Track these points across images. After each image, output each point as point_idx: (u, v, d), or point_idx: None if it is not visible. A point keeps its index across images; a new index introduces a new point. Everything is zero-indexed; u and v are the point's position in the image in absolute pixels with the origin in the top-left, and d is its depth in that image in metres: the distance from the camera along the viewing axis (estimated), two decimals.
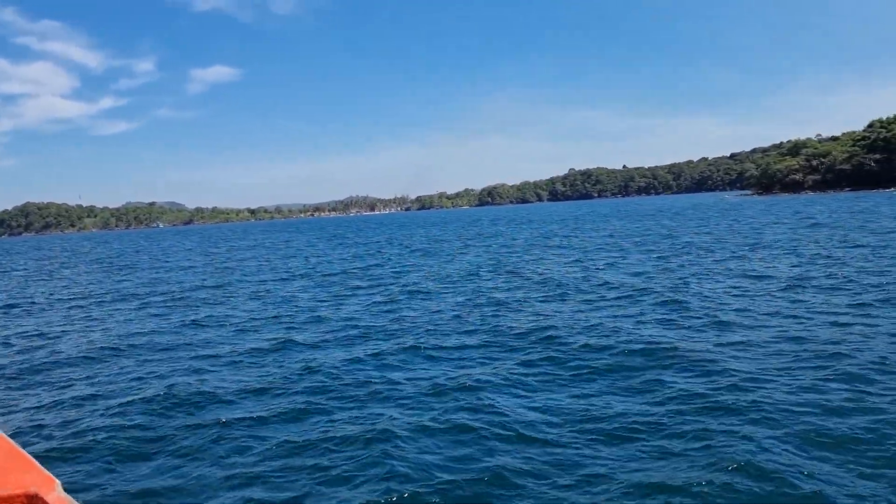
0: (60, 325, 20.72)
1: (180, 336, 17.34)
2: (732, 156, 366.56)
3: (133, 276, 39.09)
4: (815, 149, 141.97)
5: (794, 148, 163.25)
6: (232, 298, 24.77)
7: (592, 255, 33.62)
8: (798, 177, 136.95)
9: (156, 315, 21.60)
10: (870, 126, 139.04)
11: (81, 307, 24.95)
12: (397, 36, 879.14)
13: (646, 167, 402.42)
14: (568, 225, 73.73)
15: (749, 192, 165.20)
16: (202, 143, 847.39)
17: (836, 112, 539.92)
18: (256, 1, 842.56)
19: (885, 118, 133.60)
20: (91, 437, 9.43)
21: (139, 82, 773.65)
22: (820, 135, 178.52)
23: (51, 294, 30.82)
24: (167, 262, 50.64)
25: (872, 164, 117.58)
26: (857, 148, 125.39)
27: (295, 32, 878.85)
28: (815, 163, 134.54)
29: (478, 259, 36.15)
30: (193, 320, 19.77)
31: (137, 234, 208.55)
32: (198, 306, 23.00)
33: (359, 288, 26.02)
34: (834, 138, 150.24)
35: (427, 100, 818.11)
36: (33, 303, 27.46)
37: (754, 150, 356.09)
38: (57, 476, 1.45)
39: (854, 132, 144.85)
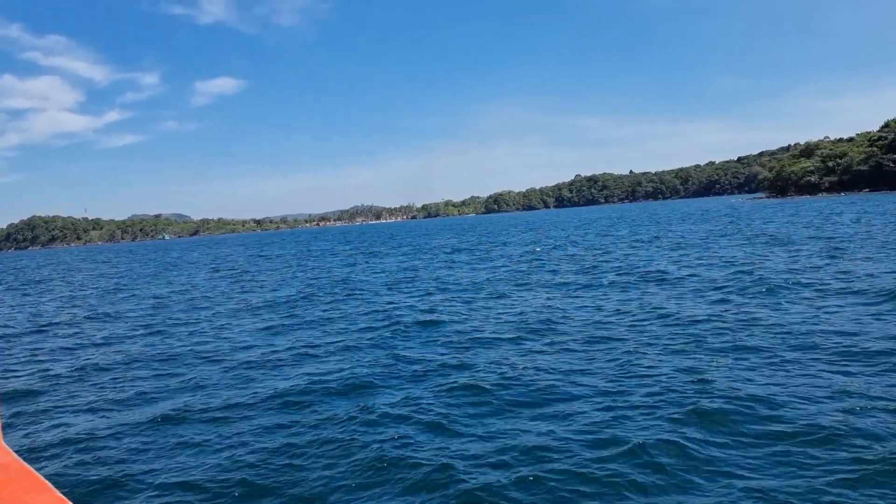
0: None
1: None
2: (740, 159, 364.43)
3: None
4: (830, 150, 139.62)
5: (807, 150, 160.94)
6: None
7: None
8: (814, 178, 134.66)
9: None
10: (885, 126, 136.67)
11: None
12: (400, 46, 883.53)
13: (652, 172, 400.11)
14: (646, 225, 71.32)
15: (762, 195, 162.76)
16: (207, 155, 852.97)
17: (840, 115, 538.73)
18: (260, 14, 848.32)
19: None
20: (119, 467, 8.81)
21: (144, 95, 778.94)
22: (828, 137, 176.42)
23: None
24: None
25: (892, 164, 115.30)
26: (874, 148, 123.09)
27: (298, 44, 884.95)
28: (831, 164, 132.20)
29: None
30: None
31: (145, 247, 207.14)
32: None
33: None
34: (848, 139, 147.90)
35: (431, 109, 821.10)
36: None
37: (762, 154, 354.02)
38: (70, 498, 1.61)
39: (869, 133, 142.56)
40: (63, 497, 1.60)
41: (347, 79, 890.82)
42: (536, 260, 37.24)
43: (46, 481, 1.71)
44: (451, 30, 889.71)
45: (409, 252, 56.11)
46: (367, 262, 46.38)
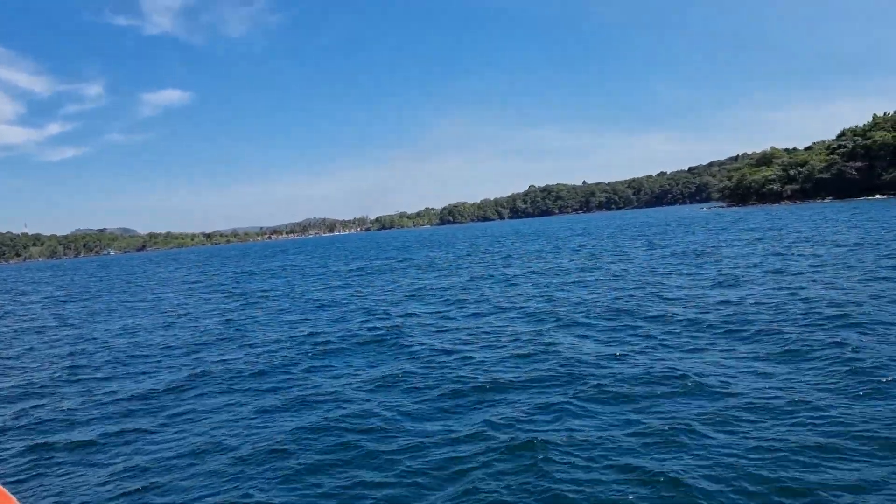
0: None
1: None
2: (690, 169, 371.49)
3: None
4: (790, 159, 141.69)
5: (764, 159, 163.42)
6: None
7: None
8: (775, 187, 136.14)
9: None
10: (842, 135, 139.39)
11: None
12: (350, 57, 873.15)
13: (605, 182, 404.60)
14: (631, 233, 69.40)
15: (722, 204, 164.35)
16: (154, 168, 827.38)
17: (784, 126, 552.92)
18: (206, 24, 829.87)
19: (858, 126, 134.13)
20: None
21: (88, 107, 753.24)
22: (774, 147, 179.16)
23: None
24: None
25: (854, 172, 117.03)
26: (835, 157, 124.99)
27: (247, 54, 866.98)
28: (792, 172, 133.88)
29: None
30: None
31: (90, 262, 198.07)
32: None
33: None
34: (806, 148, 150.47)
35: (383, 120, 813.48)
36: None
37: (711, 164, 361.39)
38: None
39: (825, 141, 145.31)
40: None
41: (297, 89, 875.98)
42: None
43: (10, 495, 1.60)
44: (402, 41, 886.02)
45: (435, 265, 49.69)
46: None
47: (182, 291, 43.74)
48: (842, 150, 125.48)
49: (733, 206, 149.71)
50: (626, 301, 21.31)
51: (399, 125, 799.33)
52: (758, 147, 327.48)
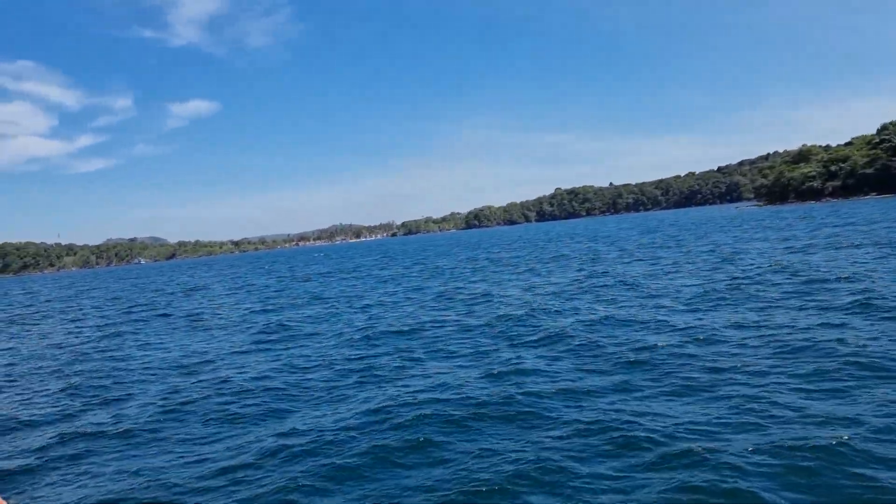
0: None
1: None
2: (720, 169, 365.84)
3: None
4: (832, 154, 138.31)
5: (800, 156, 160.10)
6: None
7: None
8: (816, 184, 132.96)
9: None
10: (883, 129, 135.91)
11: None
12: (371, 66, 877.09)
13: (633, 184, 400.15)
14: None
15: (759, 202, 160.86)
16: (182, 178, 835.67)
17: (808, 125, 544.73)
18: (231, 36, 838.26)
19: None
20: None
21: (117, 119, 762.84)
22: (805, 145, 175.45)
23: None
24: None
25: None
26: (878, 151, 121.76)
27: (270, 65, 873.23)
28: (833, 168, 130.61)
29: None
30: None
31: (122, 271, 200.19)
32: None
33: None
34: (846, 143, 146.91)
35: (407, 126, 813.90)
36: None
37: (742, 163, 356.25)
38: None
39: (865, 136, 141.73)
40: None
41: (321, 98, 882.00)
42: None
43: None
44: (424, 48, 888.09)
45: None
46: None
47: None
48: (885, 144, 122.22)
49: (769, 205, 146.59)
50: None
51: (422, 132, 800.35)
52: (786, 146, 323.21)
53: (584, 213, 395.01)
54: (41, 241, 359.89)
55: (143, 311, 38.77)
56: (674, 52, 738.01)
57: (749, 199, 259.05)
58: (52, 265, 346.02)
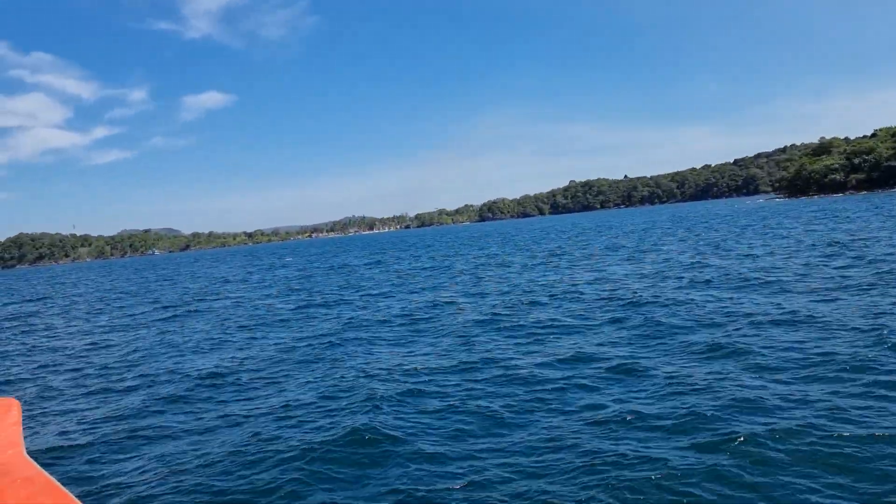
0: None
1: None
2: (736, 161, 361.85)
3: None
4: (855, 146, 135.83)
5: (821, 148, 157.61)
6: None
7: None
8: (838, 177, 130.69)
9: None
10: None
11: None
12: (388, 57, 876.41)
13: (648, 176, 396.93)
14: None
15: (780, 195, 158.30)
16: (196, 169, 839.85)
17: (826, 117, 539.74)
18: (246, 28, 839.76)
19: None
20: None
21: (133, 111, 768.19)
22: (824, 138, 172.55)
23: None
24: None
25: None
26: None
27: (285, 57, 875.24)
28: (857, 161, 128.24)
29: None
30: None
31: (139, 262, 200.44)
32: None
33: None
34: (871, 135, 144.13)
35: (421, 119, 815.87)
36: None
37: (758, 156, 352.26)
38: None
39: (891, 128, 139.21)
40: None
41: (335, 90, 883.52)
42: None
43: (71, 495, 1.67)
44: (438, 40, 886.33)
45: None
46: None
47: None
48: None
49: (790, 197, 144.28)
50: None
51: (437, 123, 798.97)
52: (804, 138, 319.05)
53: (599, 206, 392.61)
54: (56, 231, 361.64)
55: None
56: (691, 44, 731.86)
57: (766, 193, 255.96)
58: (66, 255, 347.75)
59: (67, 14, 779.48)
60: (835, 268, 23.60)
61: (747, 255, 31.31)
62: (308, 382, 13.55)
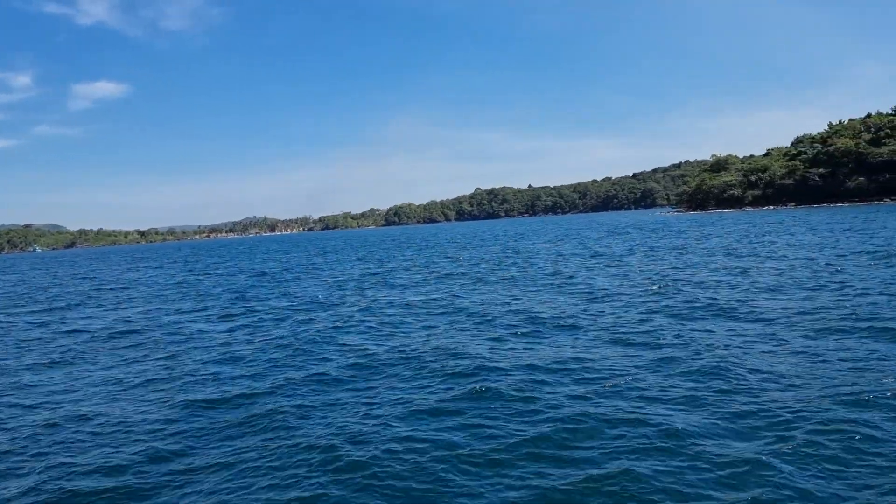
0: None
1: None
2: (635, 175, 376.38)
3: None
4: (750, 164, 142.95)
5: (718, 164, 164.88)
6: None
7: None
8: (736, 192, 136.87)
9: None
10: (798, 141, 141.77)
11: None
12: (295, 55, 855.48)
13: (551, 186, 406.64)
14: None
15: (681, 208, 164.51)
16: (86, 162, 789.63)
17: (718, 134, 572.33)
18: (146, 17, 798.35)
19: (815, 133, 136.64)
20: None
21: (17, 98, 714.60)
22: (716, 154, 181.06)
23: None
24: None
25: (817, 178, 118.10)
26: (797, 163, 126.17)
27: (187, 49, 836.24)
28: (753, 178, 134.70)
29: None
30: None
31: (15, 259, 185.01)
32: None
33: None
34: (764, 154, 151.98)
35: (327, 119, 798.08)
36: None
37: (655, 170, 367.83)
38: None
39: (782, 148, 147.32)
40: None
41: (240, 85, 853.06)
42: None
43: None
44: (351, 40, 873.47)
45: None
46: None
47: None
48: (803, 156, 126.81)
49: (691, 211, 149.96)
50: None
51: (343, 125, 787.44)
52: (696, 155, 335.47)
53: (503, 214, 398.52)
54: None
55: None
56: (595, 56, 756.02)
57: (662, 206, 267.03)
58: None
59: None
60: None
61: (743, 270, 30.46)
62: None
